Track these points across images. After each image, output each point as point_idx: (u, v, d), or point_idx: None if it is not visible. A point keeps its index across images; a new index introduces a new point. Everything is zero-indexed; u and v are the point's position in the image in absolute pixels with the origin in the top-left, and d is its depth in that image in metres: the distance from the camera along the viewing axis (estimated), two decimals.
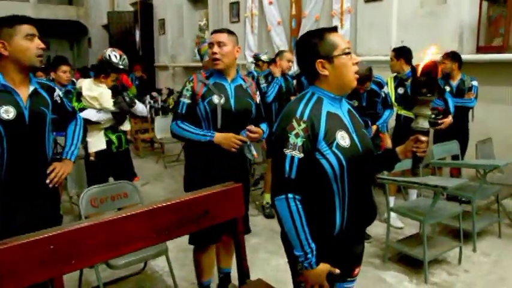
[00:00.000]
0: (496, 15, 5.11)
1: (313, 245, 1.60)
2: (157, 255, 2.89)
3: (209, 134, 2.53)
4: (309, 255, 1.60)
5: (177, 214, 2.05)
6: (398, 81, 4.33)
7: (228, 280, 2.99)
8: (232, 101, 2.60)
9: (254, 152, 2.62)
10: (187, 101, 2.58)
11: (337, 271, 1.67)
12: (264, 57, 5.38)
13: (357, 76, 1.70)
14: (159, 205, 2.00)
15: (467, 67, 4.71)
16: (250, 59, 7.98)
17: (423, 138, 1.75)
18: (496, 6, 5.11)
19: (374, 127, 3.78)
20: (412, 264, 3.44)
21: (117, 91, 3.79)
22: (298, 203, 1.58)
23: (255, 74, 5.53)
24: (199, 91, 2.56)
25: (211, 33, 2.67)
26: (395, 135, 4.23)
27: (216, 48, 2.55)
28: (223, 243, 2.88)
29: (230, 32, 2.65)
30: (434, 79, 1.77)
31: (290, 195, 1.57)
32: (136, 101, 3.83)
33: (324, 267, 1.64)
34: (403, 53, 4.33)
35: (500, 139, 4.74)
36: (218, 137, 2.51)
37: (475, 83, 4.68)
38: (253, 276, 2.42)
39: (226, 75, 2.63)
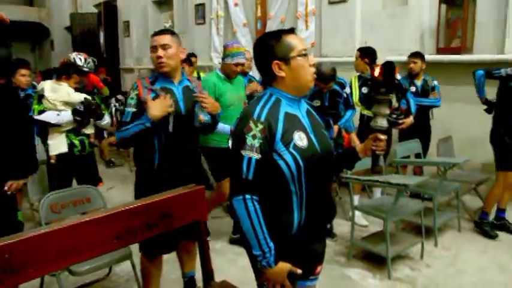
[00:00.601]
0: (454, 18, 5.29)
1: (271, 244, 1.61)
2: (121, 260, 2.85)
3: (144, 119, 2.39)
4: (267, 255, 1.61)
5: (139, 218, 2.02)
6: (363, 81, 4.39)
7: (193, 284, 2.97)
8: (181, 104, 2.53)
9: (205, 117, 2.60)
10: (132, 109, 2.45)
11: (299, 271, 1.68)
12: None
13: (314, 77, 1.72)
14: (121, 209, 1.97)
15: (428, 67, 4.85)
16: (216, 61, 7.99)
17: (382, 136, 1.79)
18: (454, 9, 5.28)
19: (336, 127, 3.84)
20: (376, 261, 3.51)
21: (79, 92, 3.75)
22: (255, 203, 1.59)
23: None
24: (147, 98, 2.44)
25: (152, 36, 2.52)
26: (360, 135, 4.31)
27: (160, 51, 2.45)
28: (185, 248, 2.86)
29: (173, 33, 2.55)
30: (392, 79, 1.82)
31: (248, 196, 1.58)
32: (106, 115, 3.80)
33: (284, 266, 1.66)
34: (368, 53, 4.41)
35: (460, 137, 4.90)
36: (151, 114, 2.38)
37: (436, 82, 4.82)
38: (219, 278, 2.43)
39: (173, 78, 2.55)
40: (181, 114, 2.53)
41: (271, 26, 6.91)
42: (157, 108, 2.38)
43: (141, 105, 2.44)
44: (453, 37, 5.30)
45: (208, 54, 8.21)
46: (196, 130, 2.67)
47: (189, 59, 6.11)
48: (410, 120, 4.02)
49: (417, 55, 4.77)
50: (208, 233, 2.84)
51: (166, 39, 2.47)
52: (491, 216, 4.15)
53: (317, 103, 3.64)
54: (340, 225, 4.23)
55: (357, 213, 4.19)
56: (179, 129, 2.50)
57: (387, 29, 5.67)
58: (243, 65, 3.69)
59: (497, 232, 4.03)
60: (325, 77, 3.56)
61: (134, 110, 2.46)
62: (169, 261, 3.10)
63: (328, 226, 4.01)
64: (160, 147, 2.49)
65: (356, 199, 4.21)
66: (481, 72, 4.10)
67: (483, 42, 5.03)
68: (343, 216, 4.47)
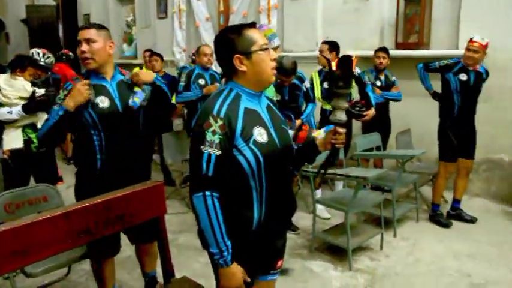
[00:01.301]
0: (412, 13, 5.40)
1: (228, 243, 1.61)
2: (80, 259, 2.77)
3: (58, 108, 2.30)
4: (225, 253, 1.61)
5: (95, 216, 1.98)
6: (324, 76, 4.44)
7: (154, 282, 2.94)
8: (117, 101, 2.42)
9: (140, 99, 2.46)
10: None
11: (248, 279, 1.70)
12: None
13: (275, 72, 1.72)
14: (77, 207, 1.93)
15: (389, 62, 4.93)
16: (178, 55, 7.90)
17: (341, 130, 1.80)
18: (411, 4, 5.39)
19: (298, 121, 3.86)
20: (338, 253, 3.57)
21: (36, 86, 3.64)
22: (215, 200, 1.58)
23: (189, 68, 5.51)
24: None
25: (79, 30, 2.40)
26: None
27: (84, 47, 2.33)
28: (144, 249, 2.83)
29: (100, 27, 2.43)
30: (349, 73, 1.83)
31: (208, 193, 1.57)
32: None
33: (238, 268, 1.67)
34: (336, 47, 4.46)
35: (418, 130, 5.04)
36: (67, 101, 2.28)
37: (394, 77, 4.94)
38: (182, 274, 2.42)
39: (104, 74, 2.43)
40: (119, 111, 2.42)
41: (234, 20, 6.88)
42: (73, 96, 2.28)
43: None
44: (411, 32, 5.42)
45: (170, 48, 8.09)
46: (143, 126, 2.57)
47: (160, 54, 6.03)
48: (372, 112, 4.13)
49: (385, 50, 4.86)
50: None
51: (90, 33, 2.35)
52: (448, 206, 4.31)
53: (277, 97, 3.65)
54: (302, 219, 4.28)
55: (320, 206, 4.26)
56: (119, 127, 2.41)
57: (348, 24, 5.75)
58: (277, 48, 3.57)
59: (453, 221, 4.20)
60: (287, 70, 3.58)
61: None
62: (132, 260, 3.06)
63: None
64: (102, 147, 2.39)
65: (318, 192, 4.28)
66: (420, 65, 4.37)
67: (439, 38, 5.18)
68: (306, 209, 4.53)
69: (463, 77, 4.03)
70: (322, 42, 4.60)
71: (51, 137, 2.40)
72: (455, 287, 3.14)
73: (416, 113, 5.19)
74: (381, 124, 4.73)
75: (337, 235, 3.53)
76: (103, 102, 2.38)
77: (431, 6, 5.23)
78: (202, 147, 1.57)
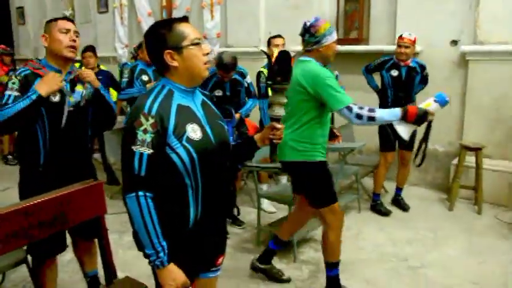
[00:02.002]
0: (351, 10, 5.56)
1: (164, 243, 1.58)
2: (15, 265, 2.64)
3: (30, 91, 2.20)
4: (160, 254, 1.58)
5: (31, 218, 1.91)
6: None
7: (97, 282, 2.86)
8: (67, 98, 2.37)
9: (75, 99, 2.41)
10: (14, 93, 2.21)
11: (188, 283, 1.67)
12: None
13: (208, 66, 1.71)
14: (9, 209, 1.85)
15: None
16: (121, 51, 7.71)
17: (279, 125, 1.81)
18: (351, 1, 5.55)
19: (237, 115, 3.88)
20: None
21: None
22: (149, 200, 1.54)
23: (130, 65, 5.39)
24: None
25: (60, 19, 2.41)
26: (262, 126, 4.41)
27: (74, 36, 2.39)
28: (84, 248, 2.76)
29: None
30: (288, 68, 1.85)
31: (141, 193, 1.53)
32: None
33: (175, 268, 1.64)
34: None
35: None
36: (39, 87, 2.20)
37: (337, 72, 5.05)
38: (127, 275, 2.38)
39: (62, 68, 2.39)
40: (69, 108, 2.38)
41: (177, 15, 6.76)
42: (47, 81, 2.22)
43: (27, 88, 2.22)
44: (351, 29, 5.59)
45: (112, 44, 7.88)
46: (88, 123, 2.53)
47: (94, 49, 5.86)
48: None
49: None
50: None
51: (75, 27, 2.43)
52: (389, 196, 4.49)
53: (218, 93, 3.66)
54: (248, 213, 4.31)
55: (266, 200, 4.31)
56: (67, 123, 2.36)
57: (290, 20, 5.82)
58: None
59: (395, 209, 4.44)
60: (227, 65, 3.59)
61: (17, 94, 2.21)
62: (74, 263, 2.97)
63: (236, 214, 4.09)
64: (46, 142, 2.33)
65: (264, 187, 4.32)
66: (363, 69, 4.62)
67: (378, 34, 5.37)
68: (252, 204, 4.57)
69: (394, 72, 4.26)
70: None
71: (17, 122, 2.22)
72: (394, 271, 3.28)
73: None
74: None
75: None
76: (54, 96, 2.31)
77: (370, 3, 5.41)
78: (133, 146, 1.53)
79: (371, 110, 2.49)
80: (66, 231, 2.59)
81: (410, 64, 4.28)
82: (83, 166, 2.50)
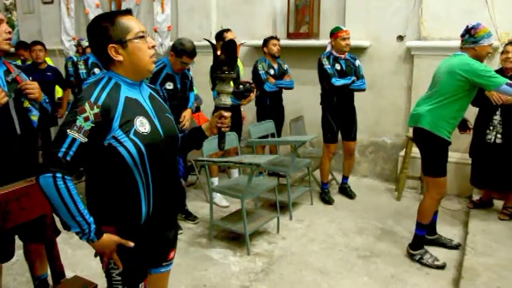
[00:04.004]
0: (302, 5, 5.61)
1: (90, 220, 1.55)
2: None
3: None
4: (86, 231, 1.55)
5: None
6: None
7: (46, 284, 2.76)
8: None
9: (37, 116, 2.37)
10: None
11: (130, 243, 1.64)
12: (85, 43, 5.10)
13: (154, 59, 1.68)
14: None
15: (281, 51, 5.06)
16: (67, 44, 7.44)
17: (226, 114, 1.82)
18: None
19: (187, 111, 3.83)
20: (237, 239, 3.65)
21: None
22: (68, 182, 1.48)
23: (75, 59, 5.23)
24: None
25: None
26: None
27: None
28: (36, 250, 2.65)
29: None
30: (234, 57, 1.85)
31: (59, 175, 1.46)
32: None
33: (109, 238, 1.61)
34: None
35: (310, 116, 5.28)
36: None
37: (286, 66, 5.11)
38: (77, 274, 2.31)
39: None
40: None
41: (126, 7, 6.62)
42: None
43: None
44: (302, 23, 5.64)
45: (58, 37, 7.58)
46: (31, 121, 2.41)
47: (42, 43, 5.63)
48: (254, 94, 4.33)
49: (277, 38, 4.99)
50: (58, 231, 2.55)
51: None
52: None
53: (170, 86, 3.60)
54: (201, 208, 4.30)
55: (218, 194, 4.31)
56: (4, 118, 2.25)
57: (242, 14, 5.84)
58: None
59: (346, 201, 4.58)
60: (194, 50, 3.56)
61: None
62: (19, 265, 2.86)
63: (187, 209, 4.07)
64: None
65: (215, 181, 4.31)
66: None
67: (327, 28, 5.42)
68: (205, 198, 4.55)
69: (338, 66, 4.32)
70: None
71: None
72: (344, 261, 3.36)
73: (308, 101, 5.44)
74: (274, 112, 4.89)
75: (235, 222, 3.59)
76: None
77: None
78: (68, 130, 1.48)
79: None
80: (16, 236, 2.50)
81: (347, 57, 4.43)
82: (29, 164, 2.38)
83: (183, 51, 3.53)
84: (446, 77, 3.07)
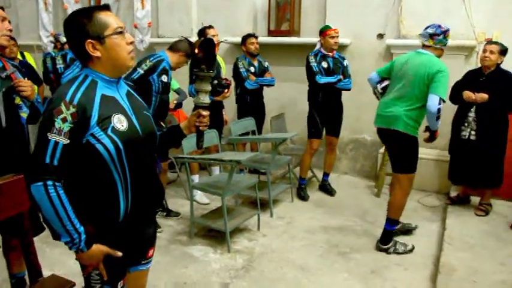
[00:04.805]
0: (283, 2, 5.60)
1: (81, 229, 1.54)
2: None
3: None
4: (76, 241, 1.54)
5: None
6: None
7: (23, 283, 2.72)
8: None
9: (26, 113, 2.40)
10: None
11: (118, 253, 1.65)
12: (63, 38, 5.03)
13: (133, 55, 1.66)
14: None
15: (261, 49, 5.06)
16: (45, 39, 7.31)
17: (204, 112, 1.82)
18: None
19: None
20: (217, 236, 3.65)
21: None
22: (59, 189, 1.48)
23: (53, 54, 5.16)
24: None
25: None
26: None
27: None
28: (15, 247, 2.60)
29: None
30: (212, 56, 1.85)
31: (49, 182, 1.46)
32: None
33: (98, 248, 1.61)
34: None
35: (291, 114, 5.30)
36: None
37: (267, 63, 5.11)
38: (55, 273, 2.28)
39: None
40: None
41: (106, 3, 6.53)
42: None
43: None
44: (283, 20, 5.64)
45: (36, 32, 7.45)
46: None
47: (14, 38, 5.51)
48: (229, 91, 4.35)
49: (255, 36, 4.98)
50: (43, 228, 2.51)
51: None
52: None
53: (165, 79, 3.54)
54: (182, 205, 4.28)
55: (199, 192, 4.29)
56: None
57: (223, 11, 5.81)
58: None
59: (327, 197, 4.61)
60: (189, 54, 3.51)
61: None
62: None
63: (166, 206, 4.04)
64: None
65: (196, 178, 4.30)
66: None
67: (308, 26, 5.47)
68: (186, 196, 4.53)
69: (325, 64, 4.35)
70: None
71: None
72: (324, 257, 3.39)
73: (289, 98, 5.46)
74: (255, 109, 4.88)
75: (216, 219, 3.58)
76: None
77: None
78: (49, 134, 1.46)
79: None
80: None
81: (335, 55, 4.46)
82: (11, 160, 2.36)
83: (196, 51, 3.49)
84: (420, 81, 3.17)
